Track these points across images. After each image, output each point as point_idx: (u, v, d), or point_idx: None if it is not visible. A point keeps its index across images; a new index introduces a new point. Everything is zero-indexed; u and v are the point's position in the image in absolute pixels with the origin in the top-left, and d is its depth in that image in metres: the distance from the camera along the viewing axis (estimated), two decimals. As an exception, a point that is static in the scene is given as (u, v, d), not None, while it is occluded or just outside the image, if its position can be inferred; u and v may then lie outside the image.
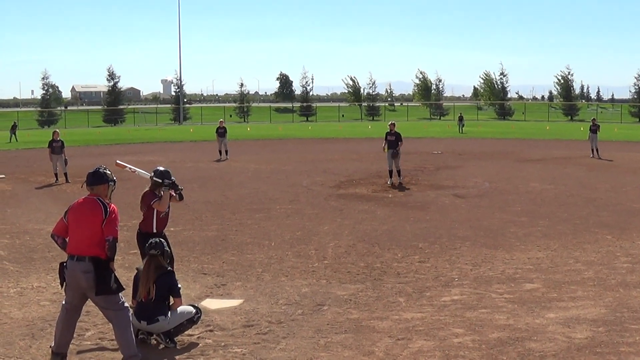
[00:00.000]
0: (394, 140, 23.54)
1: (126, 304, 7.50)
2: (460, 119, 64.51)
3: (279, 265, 12.13)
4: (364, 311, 9.44)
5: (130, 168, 9.88)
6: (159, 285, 8.05)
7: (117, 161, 10.22)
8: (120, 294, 7.45)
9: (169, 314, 8.07)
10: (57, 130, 27.24)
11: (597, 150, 34.25)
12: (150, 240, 8.39)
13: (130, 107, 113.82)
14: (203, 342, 8.23)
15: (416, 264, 12.14)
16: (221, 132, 34.48)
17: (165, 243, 8.43)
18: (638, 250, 13.31)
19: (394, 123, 24.43)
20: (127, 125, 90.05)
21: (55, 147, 25.14)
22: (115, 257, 7.49)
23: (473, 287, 10.62)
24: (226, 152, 34.00)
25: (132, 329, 7.48)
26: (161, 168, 9.86)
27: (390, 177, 23.36)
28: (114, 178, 7.76)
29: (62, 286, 7.60)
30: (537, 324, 8.81)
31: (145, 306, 7.95)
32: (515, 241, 14.08)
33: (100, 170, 7.66)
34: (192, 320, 8.27)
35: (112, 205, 7.46)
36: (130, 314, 7.50)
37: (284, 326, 8.80)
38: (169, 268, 8.32)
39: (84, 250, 7.25)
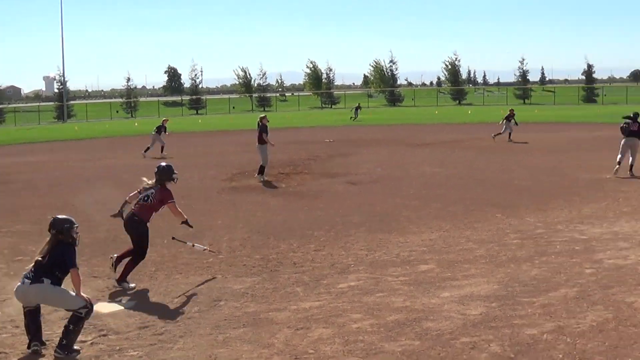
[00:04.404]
0: (259, 136, 22.46)
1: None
2: (357, 108, 65.22)
3: (172, 262, 11.95)
4: (261, 304, 9.43)
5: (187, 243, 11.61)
6: (54, 253, 7.89)
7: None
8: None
9: (59, 288, 7.86)
10: None
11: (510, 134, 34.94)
12: (53, 219, 8.18)
13: (10, 106, 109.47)
14: (97, 347, 8.01)
15: (312, 253, 12.21)
16: (159, 129, 33.22)
17: (67, 223, 8.12)
18: (527, 226, 13.85)
19: (262, 116, 23.30)
20: (7, 125, 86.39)
21: None
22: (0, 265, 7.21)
23: (369, 272, 10.77)
24: (162, 148, 32.68)
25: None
26: (163, 164, 11.21)
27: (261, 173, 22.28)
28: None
29: None
30: (433, 303, 9.02)
31: (36, 269, 7.84)
32: (408, 224, 14.37)
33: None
34: (80, 319, 7.81)
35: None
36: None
37: (180, 325, 8.69)
38: (71, 242, 8.06)
39: None
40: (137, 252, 10.89)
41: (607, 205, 16.03)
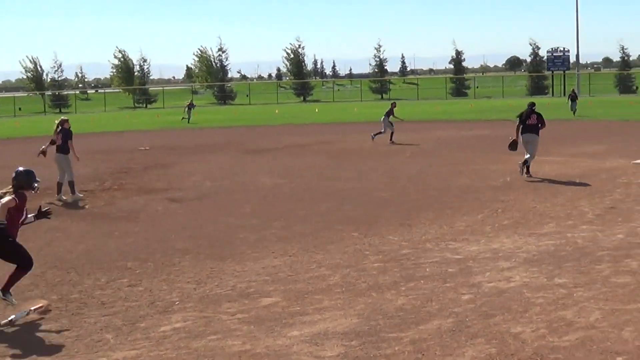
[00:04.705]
0: (62, 144, 21.95)
1: None
2: (190, 106, 64.45)
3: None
4: (60, 357, 9.12)
5: None
6: None
7: None
8: None
9: None
10: None
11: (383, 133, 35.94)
12: None
13: None
14: None
15: (125, 289, 11.96)
16: None
17: None
18: (389, 246, 14.13)
19: (64, 119, 22.77)
20: None
21: None
22: None
23: (199, 310, 10.65)
24: None
25: None
26: (21, 168, 11.37)
27: (59, 191, 21.86)
28: None
29: None
30: (279, 345, 9.01)
31: None
32: (246, 249, 14.35)
33: None
34: None
35: None
36: None
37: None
38: None
39: None
40: (20, 266, 10.88)
41: (484, 217, 16.63)
